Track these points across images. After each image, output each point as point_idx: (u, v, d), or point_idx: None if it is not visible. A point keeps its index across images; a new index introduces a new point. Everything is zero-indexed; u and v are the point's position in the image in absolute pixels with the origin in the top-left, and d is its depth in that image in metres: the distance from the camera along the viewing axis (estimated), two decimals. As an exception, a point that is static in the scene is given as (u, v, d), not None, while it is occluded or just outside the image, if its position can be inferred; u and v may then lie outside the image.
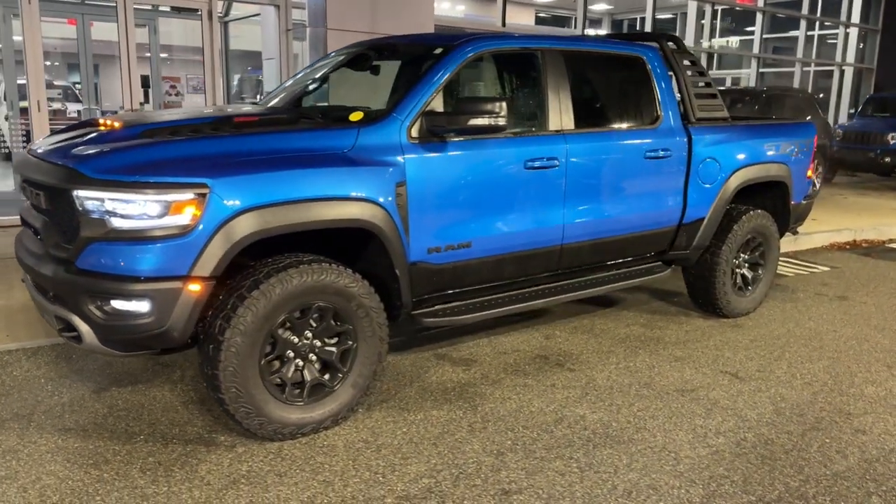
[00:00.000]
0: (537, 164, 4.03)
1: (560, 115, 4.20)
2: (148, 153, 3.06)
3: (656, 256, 5.04)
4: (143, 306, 2.95)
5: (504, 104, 3.58)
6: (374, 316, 3.44)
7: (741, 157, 5.14)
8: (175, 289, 2.96)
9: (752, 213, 5.29)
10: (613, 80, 4.79)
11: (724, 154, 5.04)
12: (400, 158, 3.51)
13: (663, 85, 4.81)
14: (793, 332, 5.12)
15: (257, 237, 3.05)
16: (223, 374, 3.05)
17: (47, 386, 3.83)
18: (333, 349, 3.40)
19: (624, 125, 4.68)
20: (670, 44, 5.12)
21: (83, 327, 3.04)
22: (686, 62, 5.12)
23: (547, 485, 2.98)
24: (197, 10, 8.71)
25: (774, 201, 5.66)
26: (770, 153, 5.35)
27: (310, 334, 3.33)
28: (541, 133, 4.17)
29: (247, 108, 4.37)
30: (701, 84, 5.18)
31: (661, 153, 4.67)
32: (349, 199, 3.28)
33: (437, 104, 3.74)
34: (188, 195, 2.92)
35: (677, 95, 4.99)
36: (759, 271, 5.58)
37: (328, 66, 4.73)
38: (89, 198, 2.94)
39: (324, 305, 3.30)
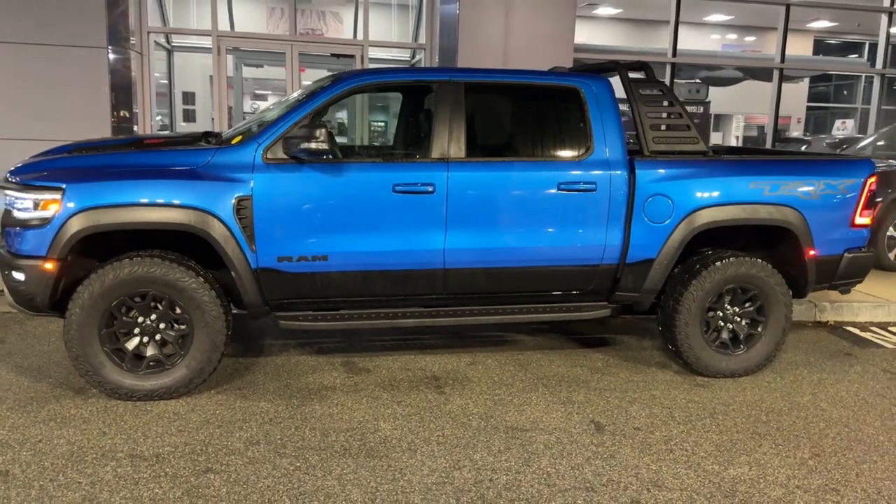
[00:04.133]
0: (409, 188, 4.23)
1: (446, 143, 4.33)
2: (44, 164, 4.07)
3: (592, 295, 4.74)
4: (21, 277, 3.94)
5: (323, 131, 3.93)
6: (208, 309, 4.01)
7: (706, 195, 4.58)
8: (37, 266, 3.89)
9: (730, 259, 4.65)
10: (533, 111, 4.69)
11: (680, 191, 4.56)
12: (248, 176, 4.05)
13: (602, 117, 4.57)
14: (799, 409, 4.30)
15: (92, 231, 3.85)
16: (66, 337, 3.90)
17: None
18: (173, 333, 4.06)
19: (535, 156, 4.57)
20: (638, 73, 4.81)
21: (6, 290, 4.14)
22: (649, 92, 4.76)
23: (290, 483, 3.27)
24: (352, 56, 10.01)
25: (787, 251, 4.87)
26: (764, 192, 4.65)
27: (154, 317, 4.03)
28: (418, 160, 4.35)
29: (166, 133, 5.22)
30: (665, 115, 4.75)
31: (583, 186, 4.45)
32: (176, 207, 3.92)
33: (309, 131, 4.14)
34: (50, 195, 3.85)
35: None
36: (759, 328, 4.83)
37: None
38: (7, 195, 4.03)
39: (158, 294, 3.98)
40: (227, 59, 9.71)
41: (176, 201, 3.93)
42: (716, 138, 18.85)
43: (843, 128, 17.56)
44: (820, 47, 20.89)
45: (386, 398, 4.20)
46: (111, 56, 8.30)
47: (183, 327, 4.06)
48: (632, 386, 4.55)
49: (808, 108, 22.01)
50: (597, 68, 5.17)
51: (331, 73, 4.96)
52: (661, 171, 4.58)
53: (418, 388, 4.36)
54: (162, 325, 4.05)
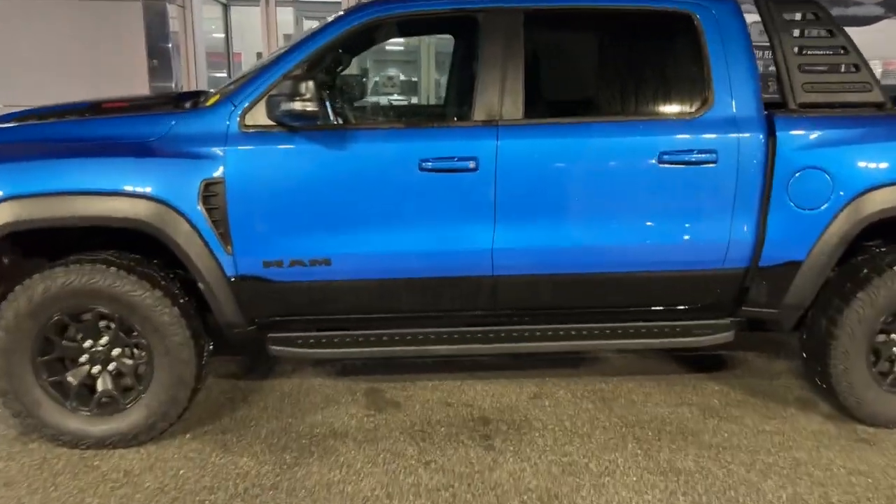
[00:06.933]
0: (441, 165, 3.00)
1: (496, 98, 3.06)
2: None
3: (707, 311, 3.37)
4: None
5: (310, 84, 2.73)
6: (169, 333, 2.96)
7: (884, 167, 3.10)
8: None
9: (918, 263, 3.17)
10: (622, 49, 3.32)
11: (844, 162, 3.10)
12: (219, 151, 2.94)
13: (727, 54, 3.14)
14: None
15: (13, 228, 2.86)
16: (-9, 368, 2.97)
17: None
18: (129, 362, 3.05)
19: (624, 114, 3.21)
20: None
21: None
22: (797, 16, 3.27)
23: None
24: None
25: None
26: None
27: (106, 340, 3.03)
28: (454, 124, 3.11)
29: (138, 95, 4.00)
30: (822, 51, 3.25)
31: (696, 156, 3.07)
32: (121, 196, 2.87)
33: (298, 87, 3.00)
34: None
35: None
36: (955, 362, 3.34)
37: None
38: None
39: (107, 312, 2.96)
40: (283, 12, 8.65)
41: (121, 188, 2.87)
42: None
43: None
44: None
45: (411, 455, 3.05)
46: (148, 8, 7.40)
47: (143, 354, 3.05)
48: (763, 442, 3.19)
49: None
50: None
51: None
52: (816, 132, 3.12)
53: (458, 440, 3.18)
54: (115, 352, 3.05)
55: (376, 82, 10.17)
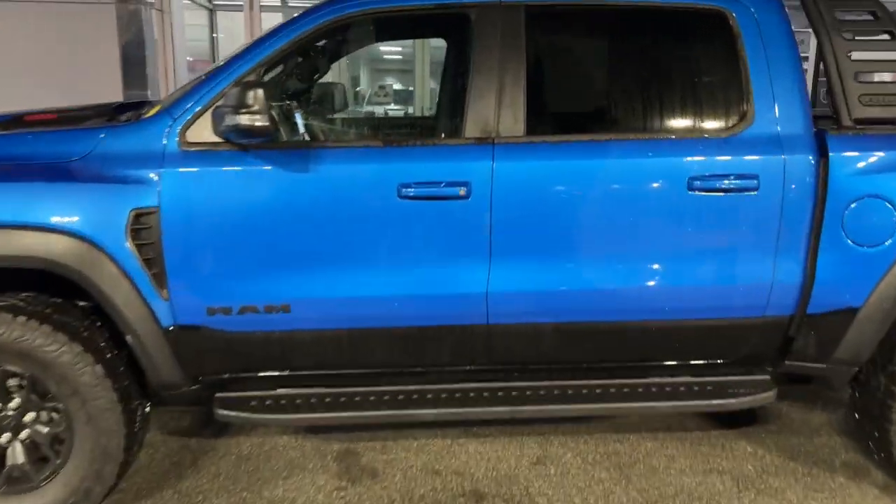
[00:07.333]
0: (423, 191, 2.47)
1: (493, 112, 2.53)
2: None
3: (743, 365, 2.83)
4: None
5: (258, 93, 2.20)
6: (90, 396, 2.42)
7: (964, 197, 2.56)
8: None
9: None
10: (645, 53, 2.80)
11: (916, 190, 2.57)
12: (154, 174, 2.41)
13: (770, 60, 2.62)
14: None
15: None
16: None
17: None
18: (45, 430, 2.51)
19: (646, 131, 2.68)
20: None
21: None
22: (853, 15, 2.75)
23: None
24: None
25: None
26: None
27: (16, 403, 2.49)
28: (441, 141, 2.59)
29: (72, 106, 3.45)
30: (883, 58, 2.73)
31: (733, 182, 2.54)
32: (30, 229, 2.33)
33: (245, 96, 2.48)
34: None
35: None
36: None
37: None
38: None
39: (16, 371, 2.42)
40: (273, 17, 8.15)
41: (29, 220, 2.34)
42: None
43: None
44: None
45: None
46: (122, 13, 6.90)
47: (62, 421, 2.51)
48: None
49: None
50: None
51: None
52: (877, 154, 2.59)
53: (441, 522, 2.63)
54: (28, 418, 2.51)
55: (358, 92, 9.63)
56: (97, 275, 2.36)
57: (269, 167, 2.45)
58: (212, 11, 9.42)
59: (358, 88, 9.86)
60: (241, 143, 2.37)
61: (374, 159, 2.52)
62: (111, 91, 6.88)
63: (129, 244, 2.38)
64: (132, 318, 2.43)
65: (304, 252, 2.50)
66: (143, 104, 3.15)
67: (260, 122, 2.23)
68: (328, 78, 3.76)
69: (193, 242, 2.44)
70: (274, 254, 2.49)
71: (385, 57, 16.33)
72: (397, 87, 10.41)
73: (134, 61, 7.02)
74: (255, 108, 2.21)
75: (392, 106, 10.35)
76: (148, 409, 2.68)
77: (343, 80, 8.57)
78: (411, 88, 9.63)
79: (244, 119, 2.22)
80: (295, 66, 2.95)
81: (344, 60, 8.84)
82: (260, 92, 2.22)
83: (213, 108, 2.43)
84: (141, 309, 2.43)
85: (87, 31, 6.85)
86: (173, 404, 2.81)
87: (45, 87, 6.73)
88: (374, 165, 2.51)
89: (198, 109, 2.46)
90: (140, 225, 2.39)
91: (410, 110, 9.61)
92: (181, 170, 2.42)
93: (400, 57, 13.80)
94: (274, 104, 2.65)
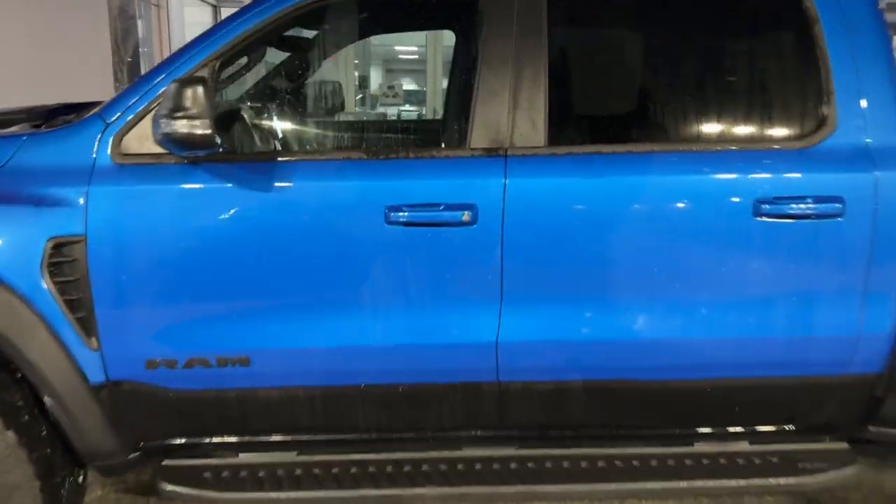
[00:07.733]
0: (417, 216, 1.95)
1: (506, 116, 2.01)
2: None
3: (819, 432, 2.28)
4: None
5: (199, 92, 1.71)
6: (-3, 470, 1.93)
7: None
8: None
9: None
10: (696, 45, 2.26)
11: None
12: (79, 193, 1.92)
13: (856, 53, 2.08)
14: None
15: None
16: None
17: None
18: (-52, 508, 2.02)
19: (699, 142, 2.14)
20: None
21: None
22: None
23: None
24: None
25: None
26: None
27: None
28: (439, 154, 2.07)
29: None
30: None
31: (811, 207, 2.00)
32: (-88, 264, 1.85)
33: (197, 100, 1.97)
34: None
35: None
36: None
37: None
38: None
39: None
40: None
41: (-81, 253, 1.86)
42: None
43: None
44: None
45: None
46: (115, 8, 6.46)
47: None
48: None
49: None
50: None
51: None
52: None
53: None
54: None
55: (365, 92, 9.10)
56: (3, 321, 1.87)
57: (225, 185, 1.95)
58: (215, 7, 8.98)
59: (366, 89, 9.35)
60: (183, 155, 1.87)
61: (357, 175, 2.01)
62: (103, 88, 6.47)
63: (45, 282, 1.88)
64: (51, 374, 1.93)
65: (268, 292, 1.99)
66: (93, 105, 2.66)
67: (200, 129, 1.72)
68: (328, 78, 3.31)
69: (129, 279, 1.94)
70: (229, 294, 1.99)
71: (400, 57, 15.85)
72: (409, 87, 9.87)
73: (129, 60, 6.59)
74: (194, 111, 1.71)
75: (406, 107, 9.85)
76: (81, 480, 2.19)
77: (351, 81, 8.07)
78: (424, 89, 9.08)
79: (181, 125, 1.72)
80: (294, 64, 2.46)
81: (352, 58, 8.35)
82: (200, 91, 1.71)
83: (154, 111, 1.93)
84: (62, 363, 1.94)
85: (77, 26, 6.43)
86: (113, 474, 2.31)
87: (32, 83, 6.31)
88: (357, 183, 2.00)
89: (138, 111, 1.97)
90: (61, 258, 1.90)
91: (424, 112, 9.08)
92: (114, 188, 1.93)
93: (416, 57, 13.29)
94: (243, 108, 2.17)
